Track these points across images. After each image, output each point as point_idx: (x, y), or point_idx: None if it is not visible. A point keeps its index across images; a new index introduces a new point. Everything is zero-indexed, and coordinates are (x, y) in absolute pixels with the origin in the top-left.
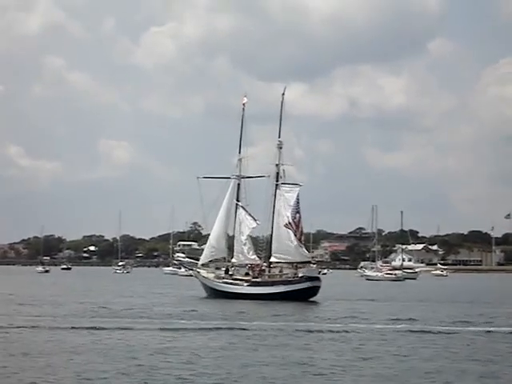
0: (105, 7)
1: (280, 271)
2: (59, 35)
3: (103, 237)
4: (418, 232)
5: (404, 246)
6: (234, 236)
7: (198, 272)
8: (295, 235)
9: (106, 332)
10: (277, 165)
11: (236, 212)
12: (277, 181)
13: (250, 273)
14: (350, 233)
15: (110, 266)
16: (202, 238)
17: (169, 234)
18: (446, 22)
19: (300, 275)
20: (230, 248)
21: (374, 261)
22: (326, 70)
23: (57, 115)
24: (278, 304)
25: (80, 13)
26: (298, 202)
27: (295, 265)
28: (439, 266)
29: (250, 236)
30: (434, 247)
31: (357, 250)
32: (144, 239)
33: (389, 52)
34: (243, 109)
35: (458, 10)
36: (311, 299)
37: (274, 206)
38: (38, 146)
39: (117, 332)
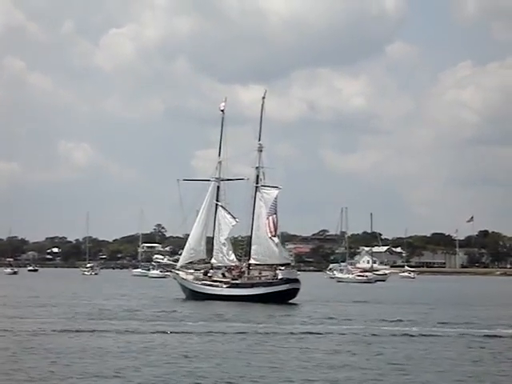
0: (65, 9)
1: (259, 273)
2: (19, 36)
3: (66, 238)
4: (381, 234)
5: (368, 248)
6: (213, 237)
7: (177, 274)
8: (272, 236)
9: (133, 335)
10: (257, 167)
11: (216, 212)
12: (257, 183)
13: (227, 274)
14: (314, 235)
15: (75, 267)
16: (165, 240)
17: (132, 236)
18: (405, 26)
19: (279, 277)
20: (210, 249)
21: (343, 262)
22: (285, 73)
23: (16, 116)
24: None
25: (40, 14)
26: (275, 204)
27: (274, 267)
28: (407, 268)
29: (230, 237)
30: (398, 249)
31: (321, 252)
32: (107, 241)
33: (347, 55)
34: (222, 111)
35: (417, 13)
36: (290, 301)
37: (253, 208)
38: None
39: (139, 334)
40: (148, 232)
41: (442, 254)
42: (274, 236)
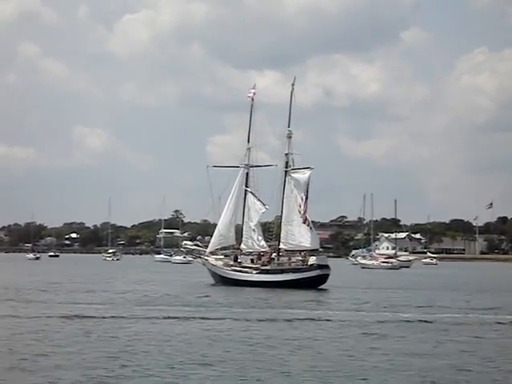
0: None
1: (289, 259)
2: (34, 22)
3: (84, 224)
4: (399, 220)
5: (387, 235)
6: (242, 223)
7: (206, 260)
8: (304, 221)
9: (195, 321)
10: (286, 154)
11: (245, 198)
12: (286, 169)
13: (256, 260)
14: (332, 221)
15: (93, 253)
16: (183, 226)
17: (150, 222)
18: (421, 12)
19: (310, 263)
20: (239, 235)
21: (366, 248)
22: (301, 59)
23: (31, 102)
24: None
25: (55, 0)
26: (307, 186)
27: (304, 253)
28: (429, 254)
29: (260, 222)
30: (417, 235)
31: (340, 238)
32: (125, 227)
33: (363, 41)
34: (252, 98)
35: None
36: (320, 287)
37: (283, 193)
38: (11, 132)
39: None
40: (166, 218)
41: (462, 240)
42: (306, 220)
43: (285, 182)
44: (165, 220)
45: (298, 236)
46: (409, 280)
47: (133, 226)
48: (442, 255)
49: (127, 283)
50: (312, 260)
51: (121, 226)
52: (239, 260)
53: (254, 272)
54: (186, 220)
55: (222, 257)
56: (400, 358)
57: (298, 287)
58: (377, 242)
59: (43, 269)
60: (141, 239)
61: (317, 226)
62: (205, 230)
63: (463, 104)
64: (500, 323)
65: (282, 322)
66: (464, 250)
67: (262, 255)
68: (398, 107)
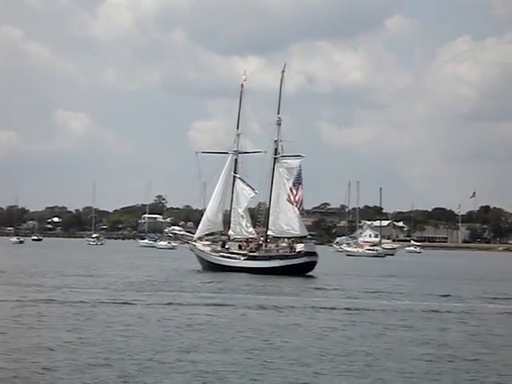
0: None
1: (276, 245)
2: (17, 6)
3: (66, 208)
4: (382, 208)
5: (370, 222)
6: (231, 209)
7: (194, 245)
8: (297, 208)
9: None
10: (275, 141)
11: (233, 184)
12: (275, 156)
13: (244, 246)
14: (315, 208)
15: (75, 237)
16: (165, 211)
17: (132, 207)
18: (404, 0)
19: (298, 250)
20: (227, 221)
21: (351, 236)
22: (284, 45)
23: (13, 86)
24: None
25: None
26: (299, 173)
27: (292, 239)
28: (413, 242)
29: (248, 208)
30: (400, 223)
31: (322, 225)
32: (107, 211)
33: (346, 28)
34: (242, 85)
35: None
36: (308, 274)
37: (272, 180)
38: None
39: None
40: (149, 203)
41: (444, 228)
42: (301, 206)
43: (274, 168)
44: (148, 205)
45: (287, 222)
46: (392, 267)
47: (115, 211)
48: (424, 243)
49: (117, 267)
50: (300, 247)
51: (103, 211)
52: (227, 246)
53: (242, 258)
54: (168, 205)
55: (210, 242)
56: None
57: (285, 274)
58: (360, 230)
59: (27, 252)
60: (123, 224)
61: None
62: (188, 215)
63: (446, 93)
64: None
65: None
66: (446, 238)
67: (250, 241)
68: (380, 95)
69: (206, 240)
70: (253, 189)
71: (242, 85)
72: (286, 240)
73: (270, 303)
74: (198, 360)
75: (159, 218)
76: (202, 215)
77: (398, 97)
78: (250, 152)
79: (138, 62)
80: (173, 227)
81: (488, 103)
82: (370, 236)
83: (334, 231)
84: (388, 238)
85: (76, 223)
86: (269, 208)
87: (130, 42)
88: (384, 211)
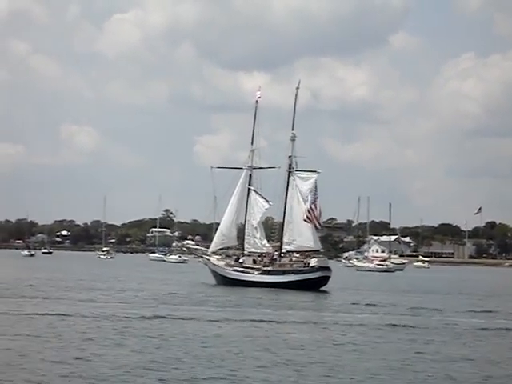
0: None
1: (290, 260)
2: (24, 20)
3: (74, 222)
4: (389, 223)
5: (377, 237)
6: (245, 222)
7: (208, 259)
8: (315, 222)
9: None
10: (289, 156)
11: (248, 196)
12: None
13: (258, 261)
14: (322, 223)
15: (84, 250)
16: (173, 225)
17: (140, 221)
18: (409, 17)
19: (311, 265)
20: (241, 236)
21: (358, 251)
22: (289, 61)
23: (20, 99)
24: None
25: None
26: (315, 188)
27: (306, 254)
28: (421, 257)
29: (263, 222)
30: (407, 239)
31: (330, 240)
32: (115, 225)
33: (351, 45)
34: (256, 101)
35: (421, 4)
36: (322, 289)
37: (286, 194)
38: (1, 129)
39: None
40: (157, 217)
41: (451, 244)
42: (315, 223)
43: (288, 183)
44: (155, 219)
45: (302, 236)
46: (408, 283)
47: (123, 225)
48: (431, 259)
49: (136, 281)
50: (313, 262)
51: (111, 224)
52: (241, 260)
53: (256, 272)
54: (175, 219)
55: (223, 256)
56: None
57: (299, 288)
58: (367, 245)
59: (41, 265)
60: (131, 238)
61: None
62: (195, 229)
63: (449, 109)
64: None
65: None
66: (453, 253)
67: (264, 256)
68: (384, 111)
69: (220, 254)
70: (267, 200)
71: (256, 101)
72: (300, 254)
73: (322, 319)
74: None
75: (167, 231)
76: (212, 229)
77: (402, 113)
78: (264, 168)
79: (145, 76)
80: (187, 241)
81: (492, 119)
82: (377, 251)
83: (340, 246)
84: (395, 253)
85: (84, 236)
86: (283, 222)
87: (136, 56)
88: (391, 226)
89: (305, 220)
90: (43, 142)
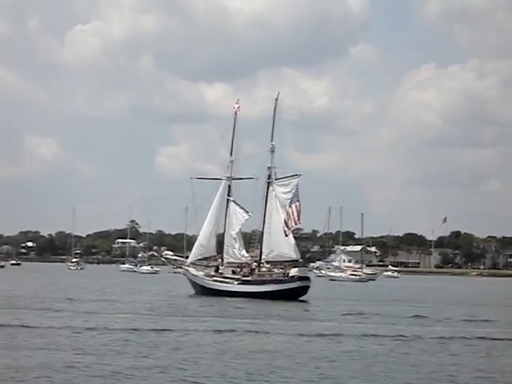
0: (30, 4)
1: (269, 270)
2: None
3: (39, 233)
4: (354, 233)
5: (343, 247)
6: (224, 232)
7: (187, 270)
8: (292, 224)
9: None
10: (269, 167)
11: (227, 207)
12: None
13: (236, 271)
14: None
15: (50, 261)
16: (138, 236)
17: (105, 232)
18: (369, 28)
19: (291, 275)
20: (220, 246)
21: (325, 261)
22: (250, 72)
23: None
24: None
25: (5, 9)
26: (297, 191)
27: (285, 264)
28: (390, 267)
29: (242, 233)
30: (373, 248)
31: None
32: (80, 236)
33: (312, 56)
34: (235, 113)
35: (381, 16)
36: (301, 298)
37: (265, 204)
38: None
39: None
40: (121, 228)
41: (417, 253)
42: (297, 223)
43: (267, 193)
44: (120, 230)
45: (281, 246)
46: (387, 292)
47: (88, 236)
48: (398, 268)
49: (122, 293)
50: (293, 271)
51: (76, 236)
52: (220, 271)
53: (236, 283)
54: (141, 230)
55: (203, 267)
56: None
57: (278, 298)
58: (333, 255)
59: (17, 277)
60: (97, 249)
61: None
62: (160, 240)
63: (410, 119)
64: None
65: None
66: (419, 263)
67: (244, 266)
68: (345, 121)
69: (199, 264)
70: (246, 211)
71: (235, 112)
72: (279, 264)
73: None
74: None
75: (133, 242)
76: (179, 240)
77: (363, 123)
78: (243, 178)
79: (106, 87)
80: (165, 252)
81: (451, 130)
82: (344, 261)
83: (307, 256)
84: (362, 263)
85: (50, 248)
86: (262, 232)
87: (97, 68)
88: (356, 236)
89: (284, 231)
90: (5, 153)
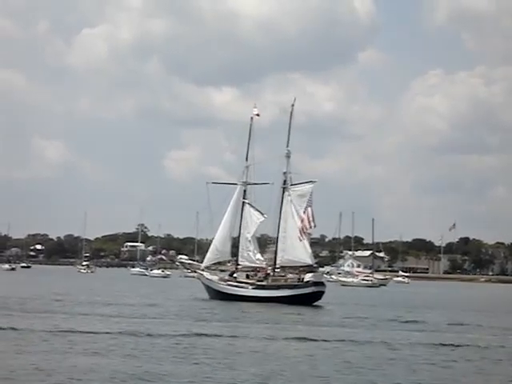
0: (39, 7)
1: (284, 275)
2: None
3: (47, 236)
4: (363, 239)
5: (352, 252)
6: (239, 235)
7: (201, 274)
8: (306, 227)
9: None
10: (284, 173)
11: (242, 210)
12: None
13: (251, 276)
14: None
15: (59, 264)
16: (147, 240)
17: (113, 235)
18: (378, 34)
19: (306, 280)
20: (235, 250)
21: (334, 266)
22: (258, 77)
23: None
24: None
25: (15, 12)
26: (311, 197)
27: (300, 269)
28: (401, 273)
29: (257, 237)
30: (381, 254)
31: None
32: (88, 239)
33: (320, 61)
34: (252, 118)
35: (390, 22)
36: (315, 303)
37: (280, 209)
38: None
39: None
40: (130, 231)
41: (426, 259)
42: (312, 226)
43: (282, 198)
44: (128, 233)
45: (296, 251)
46: (402, 298)
47: (96, 239)
48: (407, 274)
49: (140, 297)
50: (308, 277)
51: (84, 239)
52: (235, 275)
53: (250, 287)
54: (149, 234)
55: (218, 271)
56: None
57: (293, 303)
58: (342, 260)
59: (32, 280)
60: (105, 252)
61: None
62: (168, 243)
63: (417, 125)
64: None
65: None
66: (427, 269)
67: (258, 271)
68: (353, 127)
69: (213, 269)
70: (262, 213)
71: (251, 118)
72: (293, 269)
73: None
74: None
75: (141, 246)
76: (187, 243)
77: (370, 128)
78: (258, 183)
79: (114, 90)
80: (180, 256)
81: (458, 136)
82: (353, 266)
83: (316, 261)
84: (370, 268)
85: (59, 251)
86: (277, 237)
87: (105, 71)
88: (365, 242)
89: (299, 235)
90: (13, 155)
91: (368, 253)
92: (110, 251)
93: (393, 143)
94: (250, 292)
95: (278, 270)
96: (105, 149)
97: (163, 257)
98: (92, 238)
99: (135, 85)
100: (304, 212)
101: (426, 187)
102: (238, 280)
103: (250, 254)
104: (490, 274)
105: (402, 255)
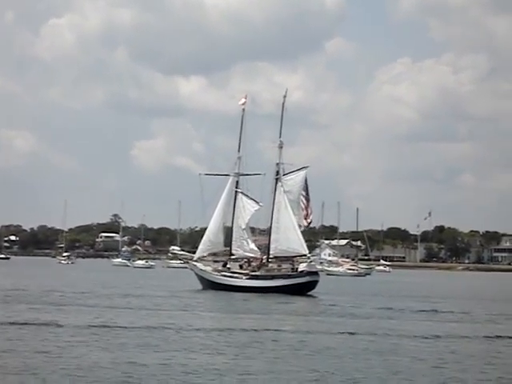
0: None
1: (278, 265)
2: None
3: (21, 226)
4: (337, 228)
5: (328, 241)
6: (232, 225)
7: (195, 265)
8: (305, 219)
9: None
10: (277, 164)
11: (235, 200)
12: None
13: (245, 266)
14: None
15: (34, 255)
16: (122, 230)
17: (87, 226)
18: (345, 22)
19: (300, 269)
20: (228, 241)
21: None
22: (226, 66)
23: None
24: None
25: None
26: (306, 185)
27: (293, 259)
28: (382, 262)
29: (251, 227)
30: (358, 243)
31: None
32: (62, 230)
33: (287, 50)
34: (243, 109)
35: (356, 10)
36: (309, 293)
37: (273, 200)
38: None
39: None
40: (105, 222)
41: (402, 248)
42: (306, 219)
43: (275, 188)
44: (103, 224)
45: (289, 241)
46: (394, 287)
47: (70, 230)
48: (384, 263)
49: (138, 288)
50: (302, 266)
51: (58, 229)
52: (228, 266)
53: (244, 277)
54: (123, 224)
55: (211, 262)
56: None
57: (287, 293)
58: (318, 249)
59: (19, 271)
60: (80, 243)
61: (257, 232)
62: (143, 234)
63: (384, 113)
64: None
65: None
66: (404, 257)
67: (252, 261)
68: (320, 115)
69: (206, 260)
70: (257, 202)
71: (243, 109)
72: (287, 259)
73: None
74: None
75: (117, 236)
76: (161, 234)
77: (338, 117)
78: (250, 174)
79: (82, 80)
80: (172, 247)
81: (427, 124)
82: (330, 255)
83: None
84: (347, 257)
85: (33, 241)
86: (270, 227)
87: (73, 61)
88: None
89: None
90: None
91: (344, 242)
92: (84, 242)
93: (361, 132)
94: (244, 282)
95: (272, 260)
96: (74, 139)
97: (138, 247)
98: (66, 229)
99: (103, 74)
100: (305, 205)
101: (395, 176)
102: (231, 270)
103: (244, 242)
104: (466, 262)
105: (379, 244)
